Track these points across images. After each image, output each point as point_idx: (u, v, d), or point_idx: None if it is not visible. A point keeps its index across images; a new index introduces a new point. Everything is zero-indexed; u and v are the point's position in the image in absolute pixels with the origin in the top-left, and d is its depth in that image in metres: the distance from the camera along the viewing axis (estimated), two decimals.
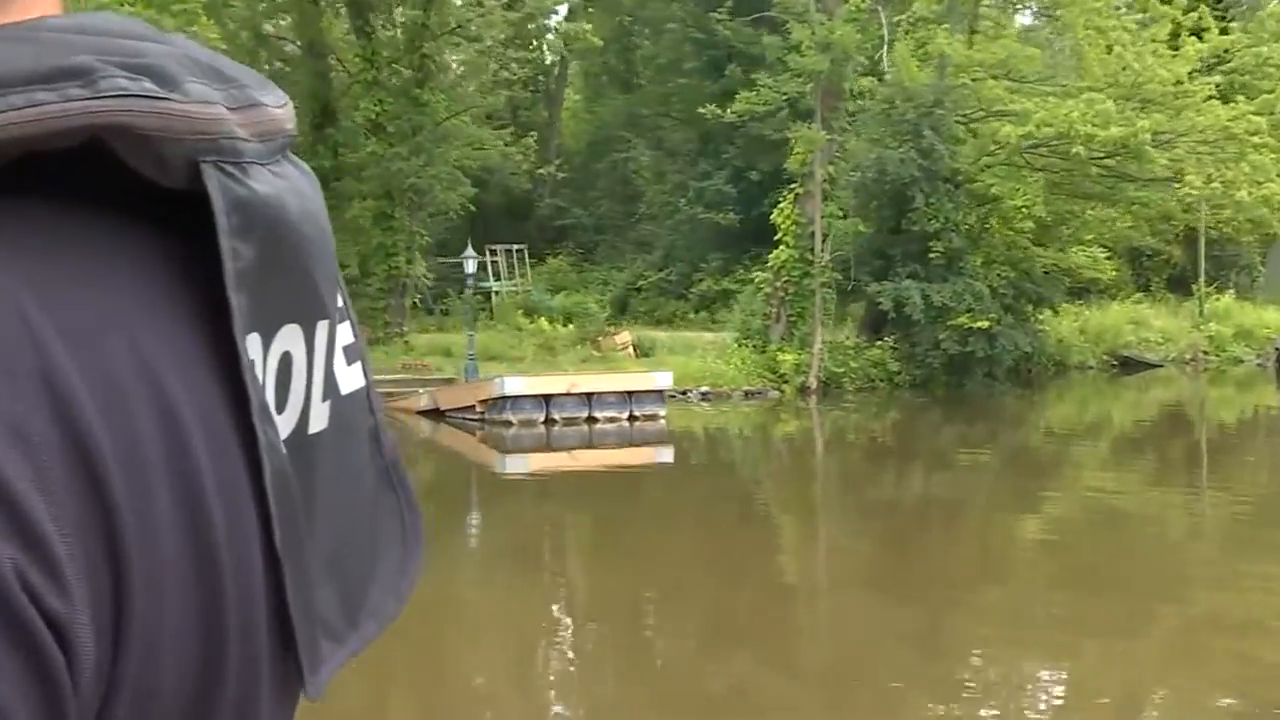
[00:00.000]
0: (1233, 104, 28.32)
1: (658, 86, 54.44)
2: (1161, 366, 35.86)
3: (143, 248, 0.58)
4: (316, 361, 0.66)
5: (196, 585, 0.55)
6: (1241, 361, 36.87)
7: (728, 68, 46.72)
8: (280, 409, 0.62)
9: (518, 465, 22.31)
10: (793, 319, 31.06)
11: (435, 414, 26.02)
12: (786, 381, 29.98)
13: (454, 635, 10.44)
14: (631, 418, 24.80)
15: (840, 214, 30.17)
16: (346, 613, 0.69)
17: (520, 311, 42.79)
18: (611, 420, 24.60)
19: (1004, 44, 30.36)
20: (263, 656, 0.61)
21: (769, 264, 31.48)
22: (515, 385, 24.27)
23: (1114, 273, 35.95)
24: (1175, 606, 11.33)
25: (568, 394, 24.54)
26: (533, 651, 10.18)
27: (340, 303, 0.70)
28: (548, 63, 57.79)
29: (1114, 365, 35.65)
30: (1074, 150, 27.68)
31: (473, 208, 38.24)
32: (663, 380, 25.51)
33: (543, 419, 24.31)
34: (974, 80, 29.85)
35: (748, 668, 9.43)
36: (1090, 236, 32.90)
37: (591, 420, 24.58)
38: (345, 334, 0.72)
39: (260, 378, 0.60)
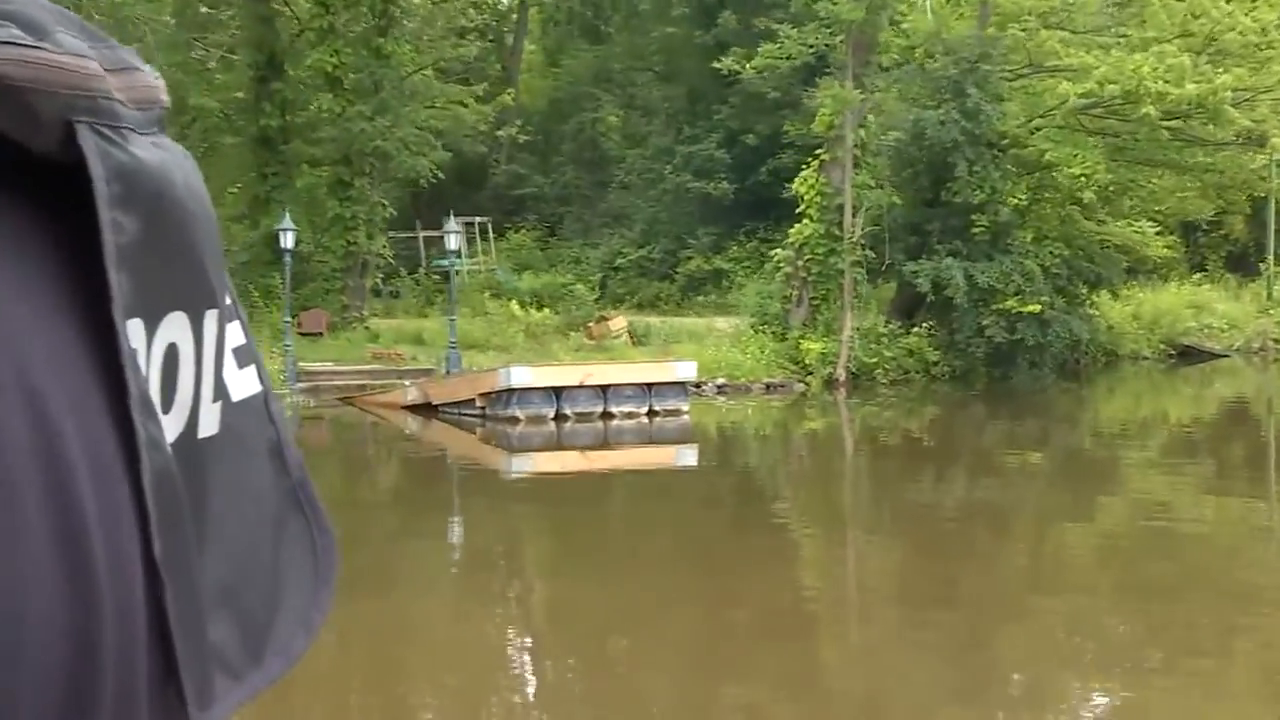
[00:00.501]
0: None
1: (635, 36, 55.14)
2: (1227, 356, 37.09)
3: (8, 220, 0.60)
4: (206, 356, 0.67)
5: (66, 592, 0.57)
6: None
7: (720, 15, 47.46)
8: (166, 408, 0.64)
9: (524, 466, 22.99)
10: (815, 302, 31.96)
11: (425, 409, 26.72)
12: (811, 373, 30.92)
13: (417, 664, 10.91)
14: (651, 413, 25.65)
15: (872, 184, 30.98)
16: (248, 647, 0.71)
17: (487, 294, 43.55)
18: (630, 416, 25.48)
19: None
20: (141, 685, 0.63)
21: (789, 240, 32.22)
22: (522, 376, 25.03)
23: (1167, 250, 36.96)
24: (1238, 627, 11.78)
25: (581, 386, 25.30)
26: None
27: (228, 300, 0.71)
28: (504, 6, 58.45)
29: (1171, 355, 36.83)
30: (1143, 111, 28.66)
31: (440, 175, 38.71)
32: (685, 371, 26.40)
33: (553, 414, 25.09)
34: (1024, 30, 30.77)
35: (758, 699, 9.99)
36: (1159, 209, 33.91)
37: (607, 416, 25.39)
38: (236, 334, 0.73)
39: (143, 368, 0.62)
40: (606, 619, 11.98)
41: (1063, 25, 31.47)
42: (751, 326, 32.30)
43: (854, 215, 31.25)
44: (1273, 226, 39.50)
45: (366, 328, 36.09)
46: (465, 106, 39.32)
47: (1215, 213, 40.61)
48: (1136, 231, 34.39)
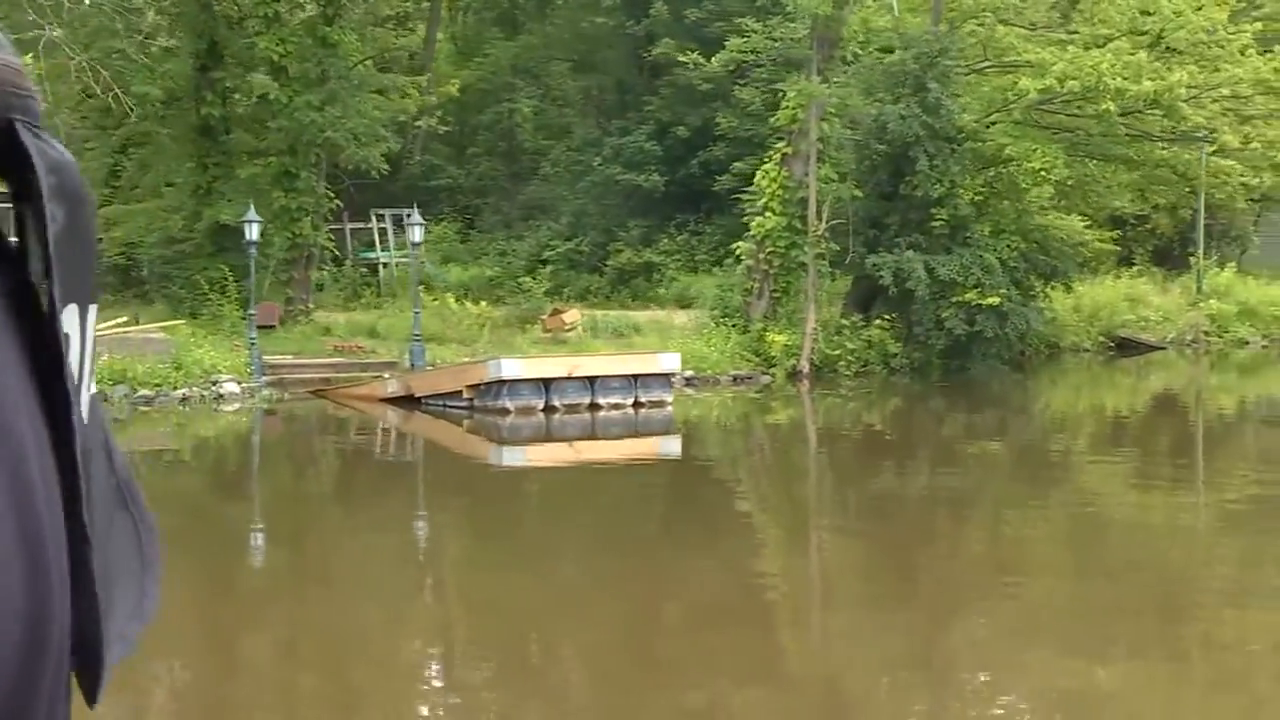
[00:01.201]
0: (1270, 54, 30.51)
1: (554, 27, 55.31)
2: (1162, 349, 38.26)
3: None
4: (87, 348, 0.68)
5: (22, 565, 0.59)
6: (1247, 343, 39.44)
7: (653, 6, 47.81)
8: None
9: (517, 458, 23.27)
10: (776, 295, 32.48)
11: (406, 401, 26.83)
12: (773, 365, 31.42)
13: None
14: (636, 404, 25.98)
15: (835, 177, 31.57)
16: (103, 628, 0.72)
17: (421, 286, 43.51)
18: (616, 407, 25.83)
19: None
20: (67, 652, 0.65)
21: (750, 233, 32.67)
22: (513, 369, 25.25)
23: (1111, 244, 38.10)
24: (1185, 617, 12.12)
25: (569, 378, 25.59)
26: None
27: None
28: None
29: (1110, 348, 37.92)
30: (1104, 106, 29.54)
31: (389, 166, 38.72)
32: (669, 363, 26.82)
33: (542, 406, 25.37)
34: (982, 26, 31.52)
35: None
36: (1090, 203, 34.90)
37: (594, 407, 25.71)
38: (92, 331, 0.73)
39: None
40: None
41: (1012, 21, 32.23)
42: (713, 319, 32.68)
43: (818, 209, 31.78)
44: (1201, 222, 40.75)
45: (312, 320, 36.06)
46: (407, 97, 39.32)
47: (1142, 207, 41.71)
48: (1088, 227, 35.44)
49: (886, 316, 31.82)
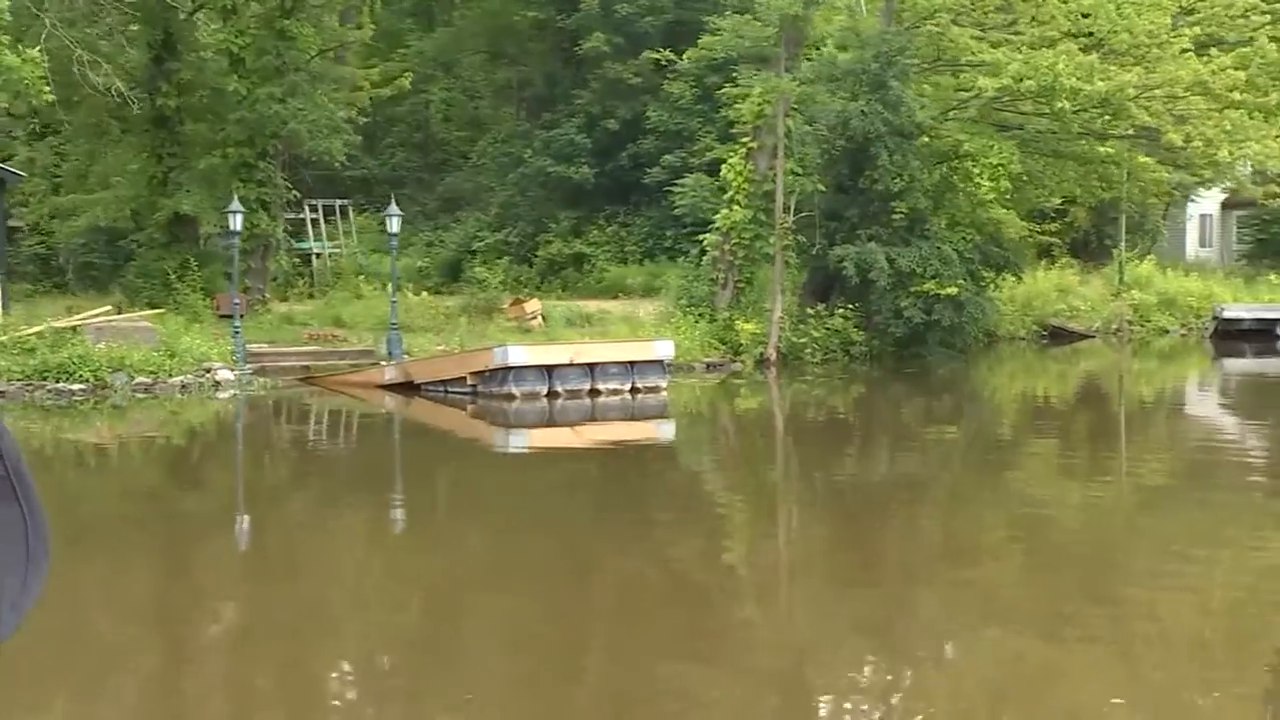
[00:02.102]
0: (1206, 57, 32.41)
1: (476, 21, 55.95)
2: (1091, 337, 40.28)
3: None
4: None
5: None
6: (1167, 332, 41.67)
7: (584, 0, 48.79)
8: None
9: (521, 442, 24.30)
10: (741, 285, 33.79)
11: (405, 388, 27.73)
12: (741, 352, 32.74)
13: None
14: (634, 389, 27.14)
15: (800, 171, 32.95)
16: None
17: (361, 277, 44.24)
18: (615, 393, 26.97)
19: None
20: None
21: (716, 225, 33.88)
22: (519, 355, 26.27)
23: (1043, 236, 40.04)
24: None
25: (571, 365, 26.67)
26: None
27: None
28: None
29: (1043, 336, 39.82)
30: (1059, 105, 31.22)
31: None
32: (664, 350, 27.97)
33: (545, 391, 26.42)
34: (937, 27, 33.07)
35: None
36: (1054, 199, 36.71)
37: (594, 393, 26.82)
38: None
39: None
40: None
41: (961, 22, 33.77)
42: (679, 309, 33.84)
43: (787, 202, 33.11)
44: (1123, 217, 42.88)
45: (269, 310, 36.65)
46: (361, 90, 39.97)
47: (1063, 203, 43.69)
48: (1031, 222, 37.24)
49: (850, 306, 33.19)
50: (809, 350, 32.99)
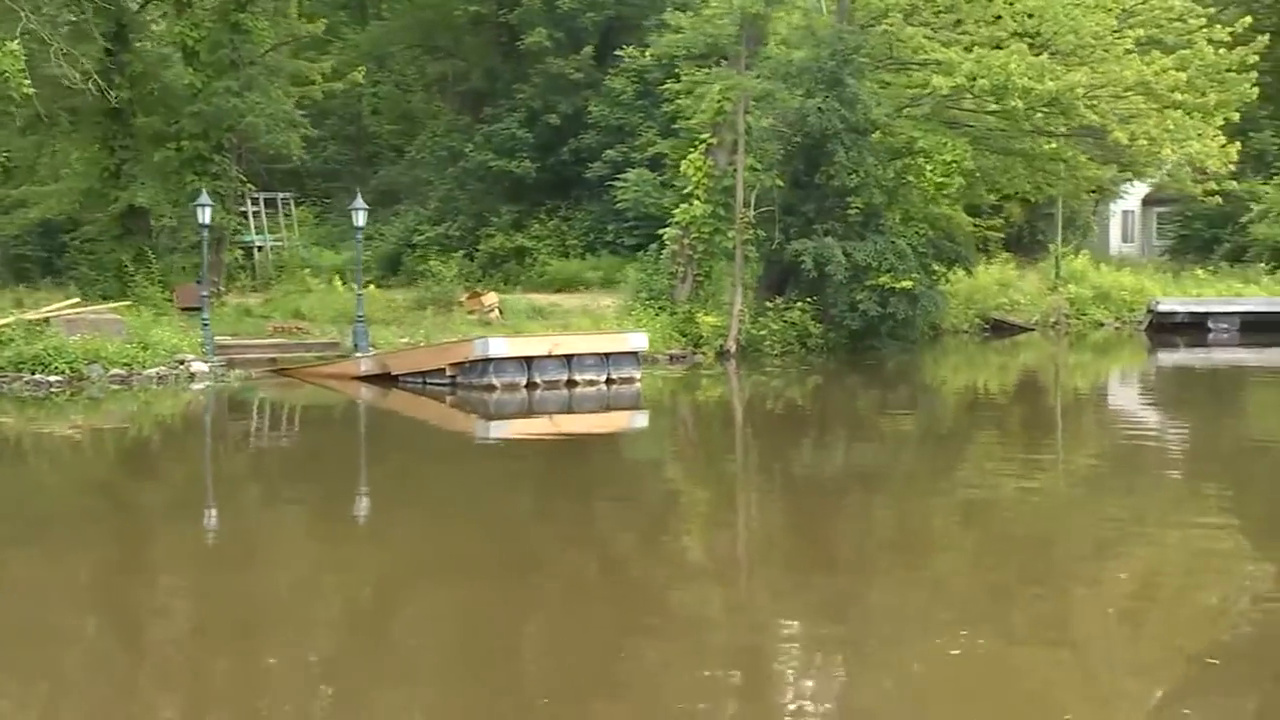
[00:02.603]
0: (1148, 59, 33.56)
1: (408, 16, 56.17)
2: (1031, 330, 41.46)
3: None
4: None
5: None
6: (1102, 325, 42.97)
7: None
8: None
9: (505, 431, 24.82)
10: (700, 279, 34.55)
11: (382, 379, 28.21)
12: (702, 345, 33.51)
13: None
14: (609, 380, 27.81)
15: (759, 167, 33.75)
16: None
17: (307, 270, 44.55)
18: (591, 383, 27.60)
19: None
20: None
21: (676, 219, 34.57)
22: (500, 347, 26.83)
23: (990, 231, 41.18)
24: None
25: (550, 356, 27.29)
26: None
27: None
28: None
29: (985, 329, 40.89)
30: (1012, 104, 32.25)
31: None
32: (637, 341, 28.67)
33: (525, 382, 27.03)
34: (891, 26, 34.00)
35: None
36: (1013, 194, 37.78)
37: (571, 383, 27.44)
38: None
39: None
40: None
41: (911, 21, 34.72)
42: (639, 302, 34.51)
43: (746, 197, 33.88)
44: (1060, 213, 44.14)
45: (224, 302, 36.85)
46: (314, 83, 40.23)
47: (998, 197, 44.84)
48: (979, 219, 38.30)
49: (808, 299, 34.01)
50: (768, 343, 33.77)
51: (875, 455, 21.06)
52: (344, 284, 41.36)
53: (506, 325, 33.95)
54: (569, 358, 27.67)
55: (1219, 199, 38.07)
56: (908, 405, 28.56)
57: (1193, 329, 42.12)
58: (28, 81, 29.19)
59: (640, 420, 26.00)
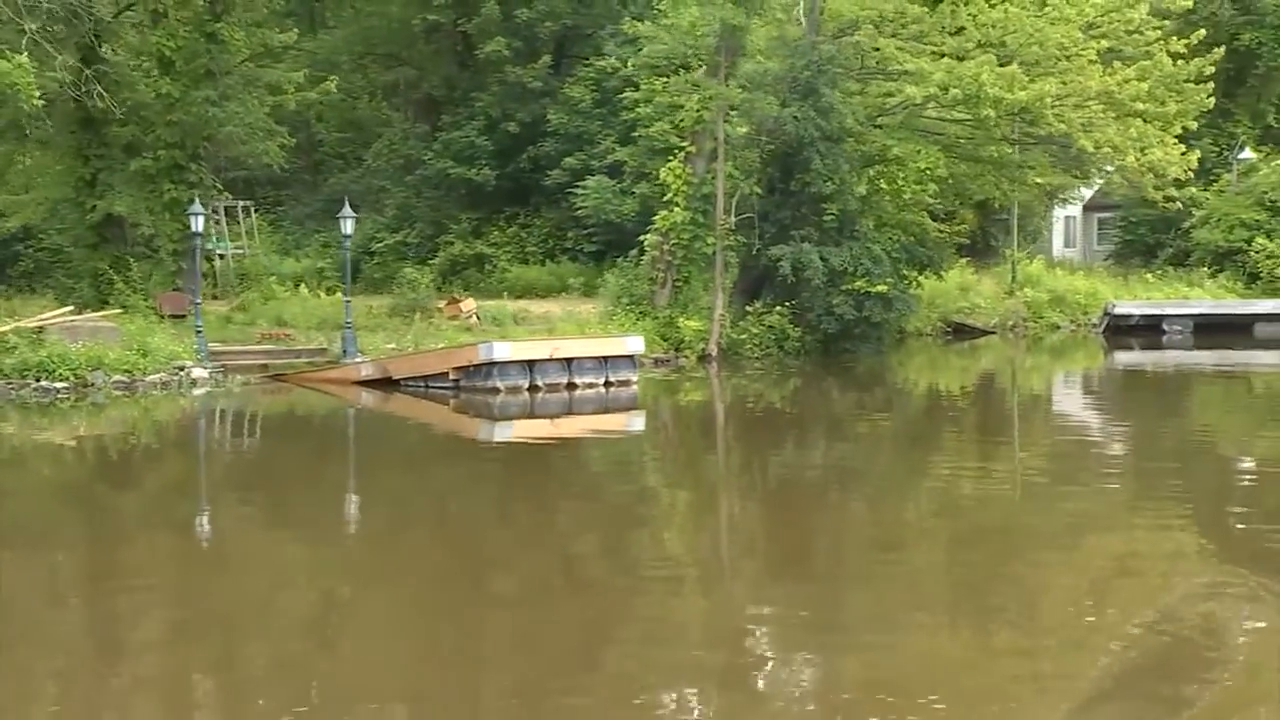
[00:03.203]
0: (1110, 70, 34.91)
1: (368, 22, 56.70)
2: (991, 333, 42.76)
3: None
4: None
5: None
6: (1058, 328, 44.38)
7: (485, 5, 49.94)
8: None
9: (505, 433, 25.58)
10: (679, 284, 35.52)
11: (382, 383, 28.92)
12: (682, 349, 34.47)
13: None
14: (607, 383, 28.70)
15: (738, 175, 34.79)
16: None
17: (273, 278, 45.04)
18: (590, 386, 28.50)
19: None
20: None
21: (656, 226, 35.50)
22: (503, 351, 27.66)
23: (958, 237, 42.49)
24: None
25: (551, 360, 28.14)
26: None
27: None
28: None
29: (947, 332, 42.15)
30: (984, 113, 33.46)
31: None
32: (634, 345, 29.59)
33: (527, 385, 27.87)
34: (865, 37, 35.13)
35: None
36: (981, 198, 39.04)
37: (571, 386, 28.31)
38: None
39: None
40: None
41: (881, 31, 35.85)
42: (621, 307, 35.40)
43: (726, 204, 34.88)
44: (1015, 220, 45.55)
45: (205, 311, 37.26)
46: (288, 93, 40.70)
47: (948, 204, 46.12)
48: (939, 225, 39.53)
49: (787, 304, 35.04)
50: (748, 346, 34.77)
51: (875, 452, 22.11)
52: (309, 291, 42.10)
53: (499, 330, 34.65)
54: (569, 361, 28.51)
55: (1178, 204, 39.35)
56: (897, 405, 29.49)
57: (1148, 331, 43.66)
58: (38, 95, 29.61)
59: (639, 422, 26.73)
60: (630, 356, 29.47)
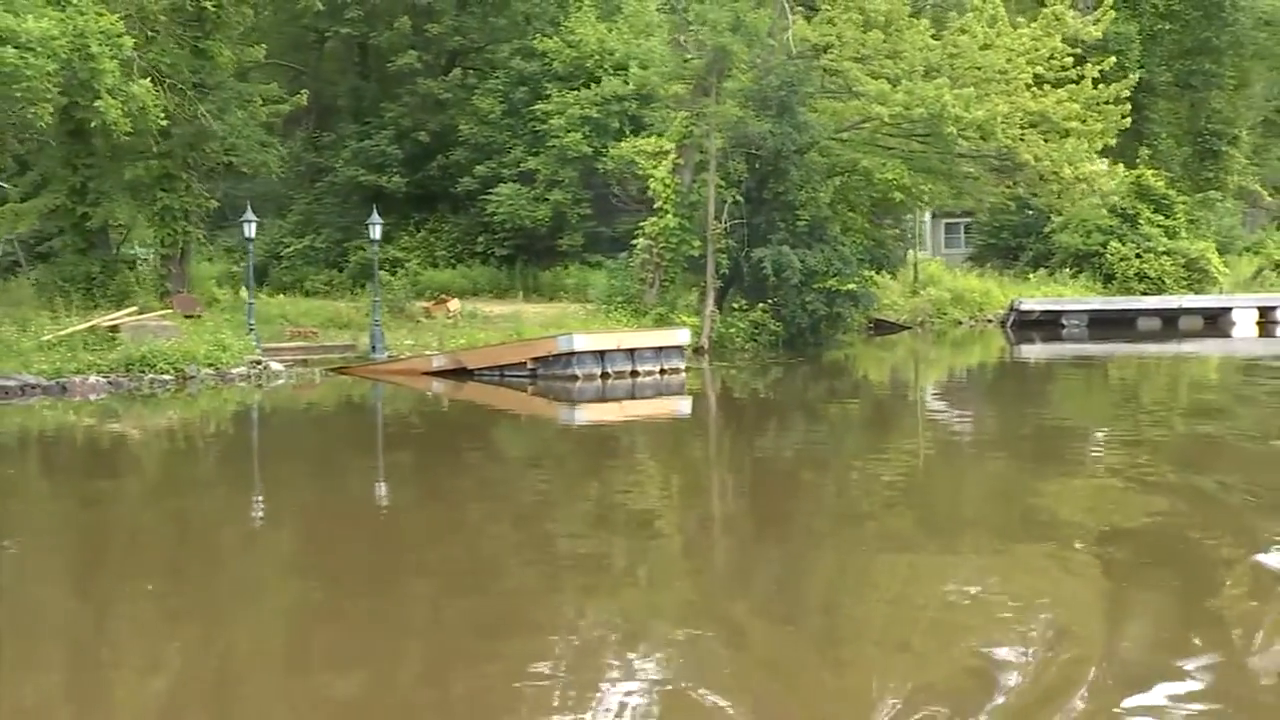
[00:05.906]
0: (1041, 92, 40.70)
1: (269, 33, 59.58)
2: (909, 329, 48.28)
3: None
4: None
5: None
6: (960, 323, 50.21)
7: (398, 20, 53.52)
8: None
9: (582, 417, 29.75)
10: (666, 284, 40.10)
11: (454, 373, 32.70)
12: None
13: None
14: (661, 371, 33.07)
15: (723, 184, 39.54)
16: None
17: (212, 282, 48.04)
18: (649, 374, 32.79)
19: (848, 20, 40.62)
20: None
21: (646, 230, 39.96)
22: (582, 341, 31.83)
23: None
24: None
25: (618, 350, 32.43)
26: None
27: None
28: None
29: (870, 328, 47.42)
30: (946, 130, 38.84)
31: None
32: (682, 336, 34.00)
33: (600, 373, 32.06)
34: (834, 60, 40.26)
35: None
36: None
37: (634, 374, 32.61)
38: None
39: None
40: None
41: (851, 56, 41.01)
42: (612, 306, 39.79)
43: (716, 210, 39.53)
44: (918, 223, 51.31)
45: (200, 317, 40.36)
46: (264, 104, 43.73)
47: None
48: (879, 227, 44.85)
49: (768, 301, 39.85)
50: (736, 340, 39.50)
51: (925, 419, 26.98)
52: (235, 293, 44.97)
53: (495, 328, 38.57)
54: (632, 351, 32.78)
55: (1102, 210, 45.39)
56: (901, 382, 34.52)
57: (1048, 325, 49.73)
58: (164, 115, 32.60)
59: (689, 406, 30.80)
60: (679, 347, 33.83)
